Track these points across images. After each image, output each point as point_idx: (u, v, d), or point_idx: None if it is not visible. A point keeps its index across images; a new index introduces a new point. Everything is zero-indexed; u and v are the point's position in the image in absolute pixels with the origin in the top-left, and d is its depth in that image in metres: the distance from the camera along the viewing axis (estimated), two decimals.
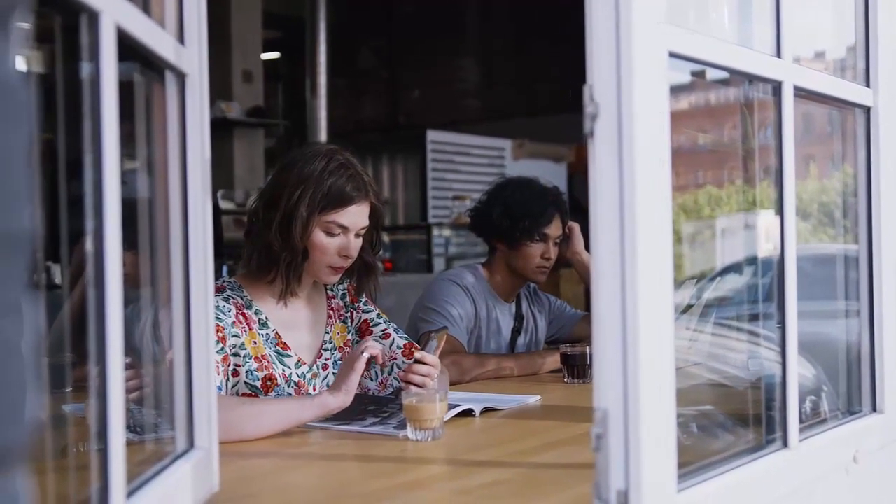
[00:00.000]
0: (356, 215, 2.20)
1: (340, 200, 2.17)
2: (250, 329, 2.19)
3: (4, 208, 0.55)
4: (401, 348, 2.35)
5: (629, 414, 1.17)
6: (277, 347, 2.22)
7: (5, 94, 0.55)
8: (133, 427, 1.31)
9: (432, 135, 8.12)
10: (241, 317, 2.18)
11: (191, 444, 1.38)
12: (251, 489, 1.58)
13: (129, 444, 1.06)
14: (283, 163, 2.25)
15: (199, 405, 1.39)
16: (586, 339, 3.01)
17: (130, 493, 1.09)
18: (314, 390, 2.25)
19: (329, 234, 2.19)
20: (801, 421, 1.56)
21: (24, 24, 0.60)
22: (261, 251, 2.20)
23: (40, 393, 0.61)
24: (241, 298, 2.22)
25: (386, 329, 2.39)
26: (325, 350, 2.33)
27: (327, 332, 2.34)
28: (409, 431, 1.87)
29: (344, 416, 2.02)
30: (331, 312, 2.37)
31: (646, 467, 1.16)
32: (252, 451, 1.83)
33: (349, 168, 2.20)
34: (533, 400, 2.36)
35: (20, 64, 0.59)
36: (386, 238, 7.60)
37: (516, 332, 3.14)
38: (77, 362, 1.84)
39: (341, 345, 2.36)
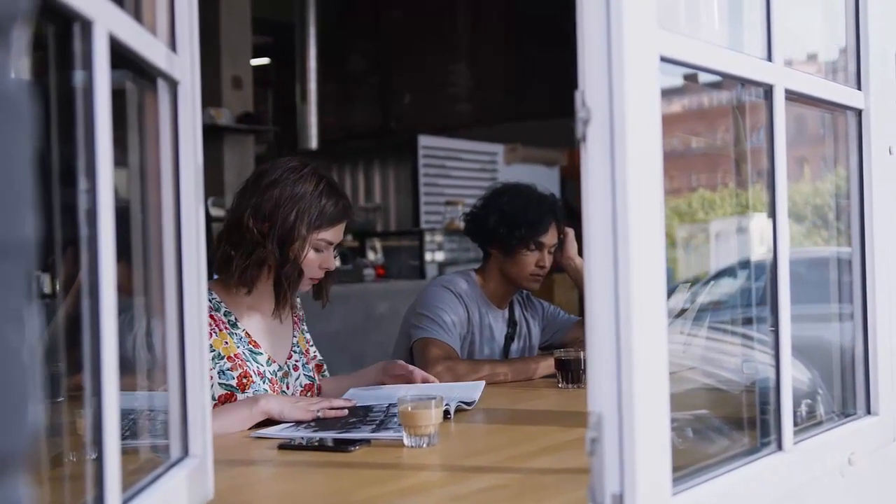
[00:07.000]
0: (341, 232, 2.36)
1: (333, 220, 2.31)
2: (220, 330, 2.26)
3: (8, 217, 0.55)
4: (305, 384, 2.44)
5: (624, 417, 1.17)
6: (250, 346, 2.30)
7: (7, 105, 0.55)
8: (125, 434, 1.30)
9: (424, 140, 8.10)
10: (209, 319, 2.22)
11: (185, 452, 1.37)
12: (245, 497, 1.57)
13: (122, 451, 1.06)
14: (268, 179, 2.29)
15: (194, 413, 1.38)
16: (580, 343, 3.01)
17: (125, 502, 1.09)
18: (287, 388, 2.36)
19: (317, 250, 2.31)
20: (796, 424, 1.56)
21: (24, 34, 0.60)
22: (253, 265, 2.26)
23: (40, 400, 0.61)
24: (210, 301, 2.26)
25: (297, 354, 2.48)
26: (295, 352, 2.43)
27: (294, 336, 2.46)
28: (405, 438, 1.87)
29: (340, 426, 2.01)
30: (296, 319, 2.49)
31: (641, 471, 1.16)
32: (246, 458, 1.83)
33: (336, 188, 2.34)
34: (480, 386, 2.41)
35: (20, 73, 0.59)
36: (378, 244, 7.59)
37: (510, 338, 3.13)
38: (71, 371, 1.84)
39: (304, 350, 2.48)
